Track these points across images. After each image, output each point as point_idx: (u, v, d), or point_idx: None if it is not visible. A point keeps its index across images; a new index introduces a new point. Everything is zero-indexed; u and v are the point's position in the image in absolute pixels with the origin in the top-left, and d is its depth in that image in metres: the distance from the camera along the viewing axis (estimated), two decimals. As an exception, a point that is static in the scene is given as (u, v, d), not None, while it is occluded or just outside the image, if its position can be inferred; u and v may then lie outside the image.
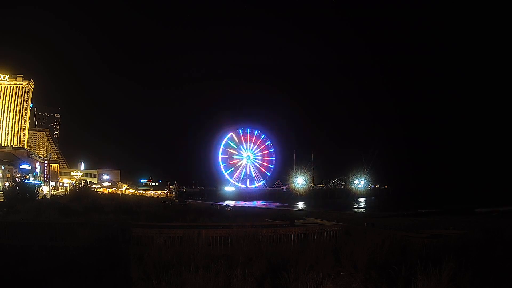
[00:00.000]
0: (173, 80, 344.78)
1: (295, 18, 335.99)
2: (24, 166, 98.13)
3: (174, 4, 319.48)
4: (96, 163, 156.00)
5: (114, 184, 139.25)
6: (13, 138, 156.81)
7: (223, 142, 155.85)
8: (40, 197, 39.44)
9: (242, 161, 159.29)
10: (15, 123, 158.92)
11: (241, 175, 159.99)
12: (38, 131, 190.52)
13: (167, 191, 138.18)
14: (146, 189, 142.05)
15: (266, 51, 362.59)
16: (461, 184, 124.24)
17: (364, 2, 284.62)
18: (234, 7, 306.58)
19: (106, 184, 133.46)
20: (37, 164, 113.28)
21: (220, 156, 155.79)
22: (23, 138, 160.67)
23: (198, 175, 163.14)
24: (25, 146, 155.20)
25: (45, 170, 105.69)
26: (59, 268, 7.74)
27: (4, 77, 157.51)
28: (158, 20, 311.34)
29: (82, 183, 66.70)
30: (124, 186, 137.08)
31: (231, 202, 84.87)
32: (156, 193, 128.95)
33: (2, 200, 33.31)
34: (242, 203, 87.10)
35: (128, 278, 7.58)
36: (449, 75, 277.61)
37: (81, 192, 42.43)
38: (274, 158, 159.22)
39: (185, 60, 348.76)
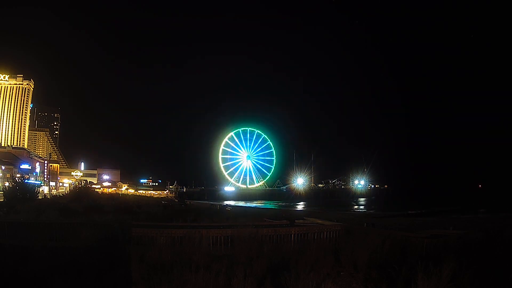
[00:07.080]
0: (173, 80, 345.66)
1: (296, 17, 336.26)
2: (24, 166, 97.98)
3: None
4: (96, 163, 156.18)
5: (114, 184, 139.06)
6: (13, 138, 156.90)
7: (223, 142, 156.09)
8: (40, 197, 39.46)
9: (242, 161, 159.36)
10: (15, 123, 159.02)
11: (241, 175, 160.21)
12: (38, 131, 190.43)
13: (167, 191, 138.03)
14: (146, 189, 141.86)
15: (267, 51, 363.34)
16: (461, 184, 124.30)
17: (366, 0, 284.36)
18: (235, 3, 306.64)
19: (106, 184, 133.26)
20: (37, 164, 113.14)
21: (220, 156, 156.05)
22: (23, 138, 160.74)
23: (198, 175, 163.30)
24: (25, 146, 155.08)
25: (45, 170, 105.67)
26: (60, 268, 7.74)
27: (4, 77, 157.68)
28: (159, 15, 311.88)
29: (82, 183, 66.63)
30: (124, 186, 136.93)
31: (231, 202, 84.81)
32: (156, 193, 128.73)
33: (2, 200, 33.31)
34: (242, 203, 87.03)
35: (128, 278, 7.57)
36: (450, 75, 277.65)
37: (81, 192, 42.43)
38: (274, 158, 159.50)
39: (184, 59, 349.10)
